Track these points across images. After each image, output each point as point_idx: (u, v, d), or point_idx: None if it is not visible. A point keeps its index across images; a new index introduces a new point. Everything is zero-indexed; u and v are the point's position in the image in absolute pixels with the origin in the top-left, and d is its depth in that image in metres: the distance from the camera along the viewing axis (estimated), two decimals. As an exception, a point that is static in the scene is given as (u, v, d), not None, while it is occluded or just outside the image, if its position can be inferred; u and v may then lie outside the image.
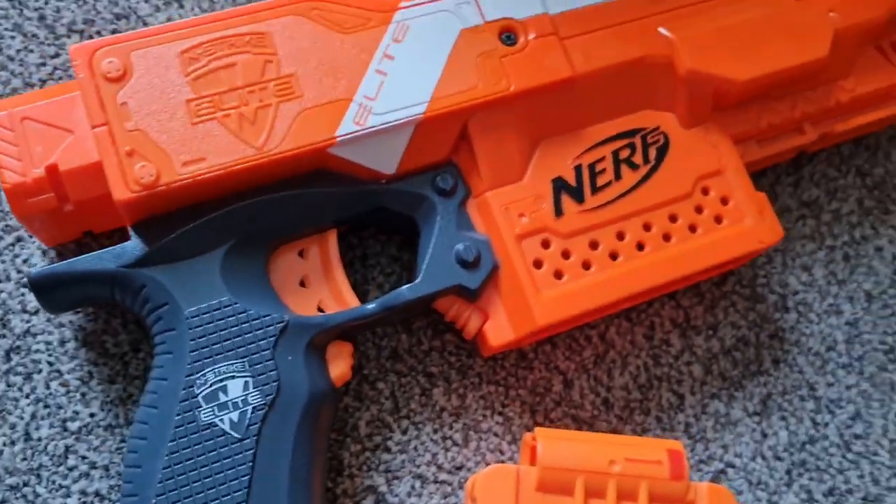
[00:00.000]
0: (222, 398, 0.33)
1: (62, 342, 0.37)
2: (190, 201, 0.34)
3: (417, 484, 0.38)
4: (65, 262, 0.34)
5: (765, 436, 0.41)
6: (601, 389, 0.41)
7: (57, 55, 0.41)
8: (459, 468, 0.38)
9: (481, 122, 0.37)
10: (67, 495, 0.36)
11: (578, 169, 0.38)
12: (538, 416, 0.40)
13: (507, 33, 0.37)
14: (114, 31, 0.42)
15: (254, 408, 0.33)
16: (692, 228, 0.38)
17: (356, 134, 0.34)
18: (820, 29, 0.40)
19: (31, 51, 0.41)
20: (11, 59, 0.41)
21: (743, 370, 0.42)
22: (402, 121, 0.35)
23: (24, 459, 0.36)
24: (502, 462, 0.39)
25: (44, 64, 0.41)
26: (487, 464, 0.39)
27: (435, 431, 0.39)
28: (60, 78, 0.41)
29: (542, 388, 0.40)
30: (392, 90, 0.35)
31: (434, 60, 0.36)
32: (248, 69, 0.34)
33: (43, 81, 0.40)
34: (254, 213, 0.35)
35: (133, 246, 0.34)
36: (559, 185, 0.37)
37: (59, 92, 0.35)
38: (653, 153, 0.39)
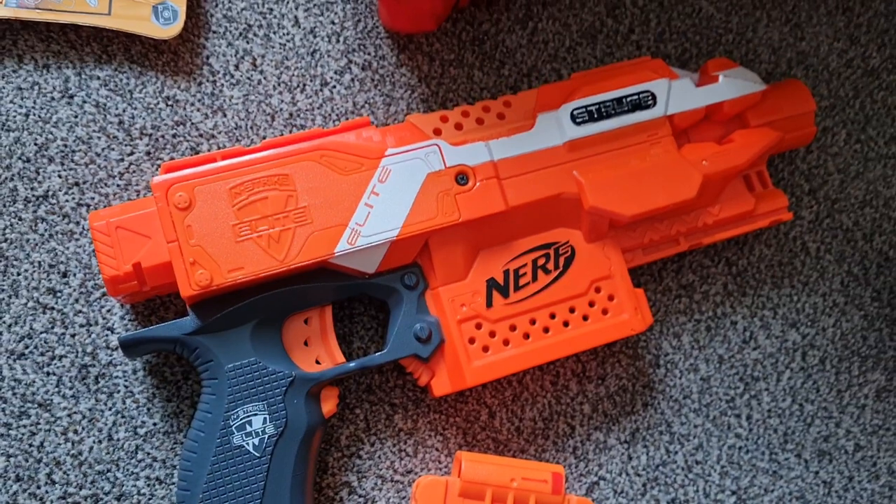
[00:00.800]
0: (248, 428, 0.49)
1: (134, 371, 0.53)
2: (231, 293, 0.49)
3: (379, 482, 0.54)
4: (144, 329, 0.49)
5: (630, 458, 0.58)
6: (515, 419, 0.57)
7: (132, 153, 0.55)
8: (409, 472, 0.55)
9: (438, 240, 0.51)
10: (137, 479, 0.52)
11: (506, 272, 0.53)
12: (468, 437, 0.56)
13: (461, 175, 0.52)
14: (174, 135, 0.56)
15: (269, 436, 0.49)
16: (585, 318, 0.53)
17: (349, 251, 0.49)
18: (692, 176, 0.54)
19: (113, 149, 0.55)
20: (98, 154, 0.55)
21: (620, 410, 0.58)
22: (381, 241, 0.50)
23: (108, 453, 0.52)
24: (440, 470, 0.55)
25: (122, 160, 0.55)
26: (430, 471, 0.55)
27: (394, 445, 0.55)
28: (134, 171, 0.55)
29: (473, 417, 0.56)
30: (376, 218, 0.50)
31: (407, 196, 0.50)
32: (276, 202, 0.49)
33: (121, 174, 0.55)
34: (275, 299, 0.50)
35: (191, 321, 0.49)
36: (491, 284, 0.53)
37: (139, 206, 0.49)
38: (562, 261, 0.54)
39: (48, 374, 0.52)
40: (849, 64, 0.66)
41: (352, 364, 0.51)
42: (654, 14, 0.64)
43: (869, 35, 0.66)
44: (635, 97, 0.55)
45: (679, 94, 0.56)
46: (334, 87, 0.58)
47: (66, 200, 0.54)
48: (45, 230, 0.53)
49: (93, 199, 0.54)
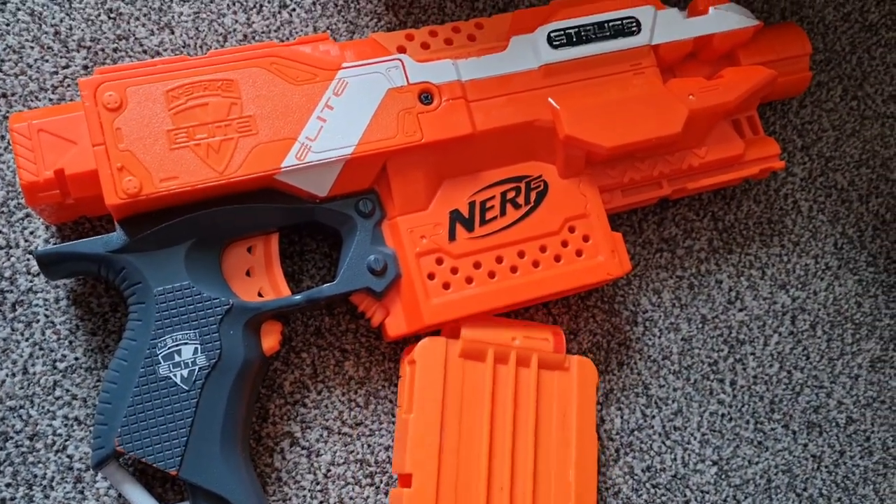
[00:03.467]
0: (176, 358, 0.43)
1: (56, 300, 0.48)
2: (164, 207, 0.44)
3: (325, 433, 0.49)
4: (64, 244, 0.44)
5: (602, 421, 0.53)
6: (478, 374, 0.52)
7: (67, 66, 0.50)
8: (359, 424, 0.50)
9: (397, 163, 0.47)
10: (53, 418, 0.46)
11: (472, 204, 0.48)
12: (426, 390, 0.51)
13: (426, 94, 0.47)
14: (115, 50, 0.51)
15: (200, 368, 0.44)
16: (557, 258, 0.49)
17: (297, 166, 0.44)
18: (678, 110, 0.50)
19: (47, 60, 0.50)
20: (30, 66, 0.50)
21: (593, 368, 0.53)
22: (333, 158, 0.45)
23: (21, 388, 0.46)
24: (392, 423, 0.50)
25: (56, 73, 0.50)
26: (382, 423, 0.50)
27: (343, 394, 0.50)
28: (69, 86, 0.50)
29: (432, 368, 0.51)
30: (329, 133, 0.45)
31: (364, 112, 0.46)
32: (218, 109, 0.44)
33: (54, 87, 0.50)
34: (214, 218, 0.45)
35: (118, 236, 0.44)
36: (455, 216, 0.48)
37: (66, 110, 0.45)
38: (533, 196, 0.49)
39: (-41, 297, 0.47)
40: (846, 18, 0.62)
41: (297, 297, 0.46)
42: (641, -45, 0.60)
43: (867, -11, 0.63)
44: (618, 22, 0.51)
45: (666, 24, 0.51)
46: (294, 9, 0.54)
47: (-8, 112, 0.49)
48: (-34, 142, 0.48)
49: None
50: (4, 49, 0.50)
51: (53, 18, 0.51)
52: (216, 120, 0.44)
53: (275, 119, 0.45)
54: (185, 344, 0.44)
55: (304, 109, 0.45)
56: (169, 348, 0.44)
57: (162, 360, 0.43)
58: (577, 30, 0.50)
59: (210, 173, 0.43)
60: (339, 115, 0.46)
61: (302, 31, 0.54)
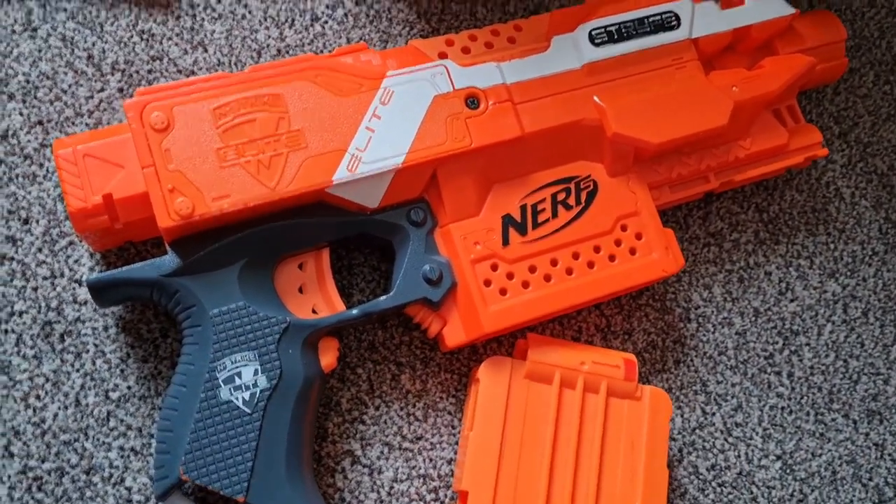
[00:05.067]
0: (237, 381, 0.42)
1: (105, 328, 0.47)
2: (215, 227, 0.43)
3: (385, 450, 0.48)
4: (115, 270, 0.43)
5: (663, 421, 0.52)
6: (535, 380, 0.51)
7: (102, 89, 0.49)
8: (419, 439, 0.49)
9: (447, 169, 0.46)
10: (109, 450, 0.45)
11: (523, 208, 0.47)
12: (483, 400, 0.50)
13: (472, 98, 0.46)
14: (149, 71, 0.50)
15: (261, 389, 0.43)
16: (612, 258, 0.48)
17: (349, 179, 0.44)
18: (722, 102, 0.49)
19: (81, 85, 0.49)
20: (64, 91, 0.49)
21: (650, 368, 0.52)
22: (385, 169, 0.44)
23: (75, 421, 0.45)
24: (453, 436, 0.49)
25: (91, 97, 0.49)
26: (442, 436, 0.49)
27: (401, 409, 0.49)
28: (105, 109, 0.49)
29: (488, 377, 0.50)
30: (378, 143, 0.44)
31: (412, 120, 0.45)
32: (266, 124, 0.43)
33: (90, 112, 0.49)
34: (265, 236, 0.44)
35: (170, 259, 0.43)
36: (507, 221, 0.47)
37: (111, 133, 0.44)
38: (584, 196, 0.48)
39: (7, 331, 0.46)
40: (872, 3, 0.62)
41: (354, 311, 0.45)
42: (666, -49, 0.59)
43: (891, -26, 0.63)
44: (658, 18, 0.50)
45: (704, 16, 0.51)
46: (326, 22, 0.53)
47: (29, 140, 0.48)
48: (5, 173, 0.47)
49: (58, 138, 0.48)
50: (38, 76, 0.49)
51: (86, 42, 0.50)
52: (265, 135, 0.43)
53: (323, 131, 0.44)
54: (245, 366, 0.43)
55: (352, 120, 0.44)
56: (229, 371, 0.42)
57: (222, 384, 0.42)
58: (618, 27, 0.49)
59: (262, 190, 0.42)
60: (387, 125, 0.45)
61: (335, 42, 0.53)
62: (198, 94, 0.43)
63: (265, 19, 0.53)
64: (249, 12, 0.52)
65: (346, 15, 0.54)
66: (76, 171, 0.43)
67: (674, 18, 0.50)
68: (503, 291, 0.46)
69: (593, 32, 0.49)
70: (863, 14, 0.62)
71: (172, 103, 0.43)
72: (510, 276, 0.46)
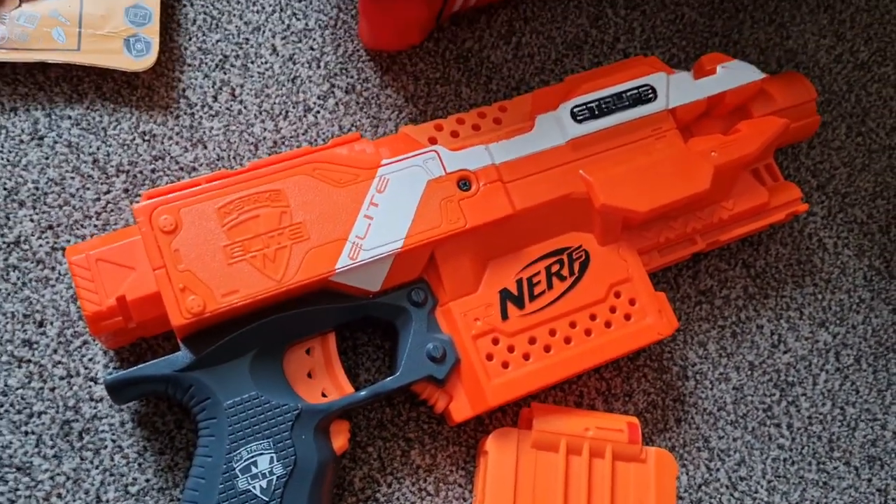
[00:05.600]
0: (254, 470, 0.44)
1: (122, 423, 0.48)
2: (226, 321, 0.45)
3: (400, 526, 0.49)
4: (130, 369, 0.44)
5: (669, 479, 0.53)
6: (542, 447, 0.52)
7: (108, 191, 0.51)
8: (432, 513, 0.50)
9: (445, 250, 0.48)
10: (131, 544, 0.46)
11: (519, 282, 0.49)
12: (493, 470, 0.51)
13: (464, 181, 0.49)
14: (153, 171, 0.52)
15: (277, 477, 0.44)
16: (608, 325, 0.50)
17: (351, 266, 0.45)
18: (703, 167, 0.52)
19: (88, 188, 0.51)
20: (72, 196, 0.51)
21: (652, 428, 0.54)
22: (384, 254, 0.46)
23: (97, 517, 0.46)
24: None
25: (98, 199, 0.51)
26: (454, 509, 0.50)
27: (413, 484, 0.50)
28: (112, 210, 0.51)
29: (496, 447, 0.51)
30: (377, 230, 0.46)
31: (408, 205, 0.47)
32: (269, 219, 0.45)
33: (98, 214, 0.51)
34: (274, 326, 0.46)
35: (183, 355, 0.44)
36: (505, 295, 0.49)
37: (119, 237, 0.46)
38: (577, 267, 0.50)
39: (26, 433, 0.47)
40: (838, 59, 0.65)
41: (362, 392, 0.47)
42: (637, 22, 0.62)
43: (854, 30, 0.66)
44: (635, 91, 0.53)
45: (679, 87, 0.53)
46: (318, 111, 0.56)
47: (40, 245, 0.50)
48: (18, 278, 0.49)
49: (68, 241, 0.50)
50: (46, 182, 0.51)
51: (90, 147, 0.52)
52: (269, 230, 0.45)
53: (324, 222, 0.46)
54: (261, 454, 0.44)
55: (350, 210, 0.46)
56: (245, 461, 0.44)
57: (240, 474, 0.43)
58: (598, 103, 0.52)
59: (269, 283, 0.44)
60: (384, 212, 0.47)
61: (329, 131, 0.55)
62: (203, 195, 0.45)
63: (260, 113, 0.55)
64: (245, 107, 0.55)
65: (337, 104, 0.56)
66: (90, 276, 0.44)
67: (650, 91, 0.53)
68: (505, 364, 0.48)
69: (575, 110, 0.51)
70: (830, 70, 0.64)
71: (179, 205, 0.45)
72: (511, 348, 0.48)
